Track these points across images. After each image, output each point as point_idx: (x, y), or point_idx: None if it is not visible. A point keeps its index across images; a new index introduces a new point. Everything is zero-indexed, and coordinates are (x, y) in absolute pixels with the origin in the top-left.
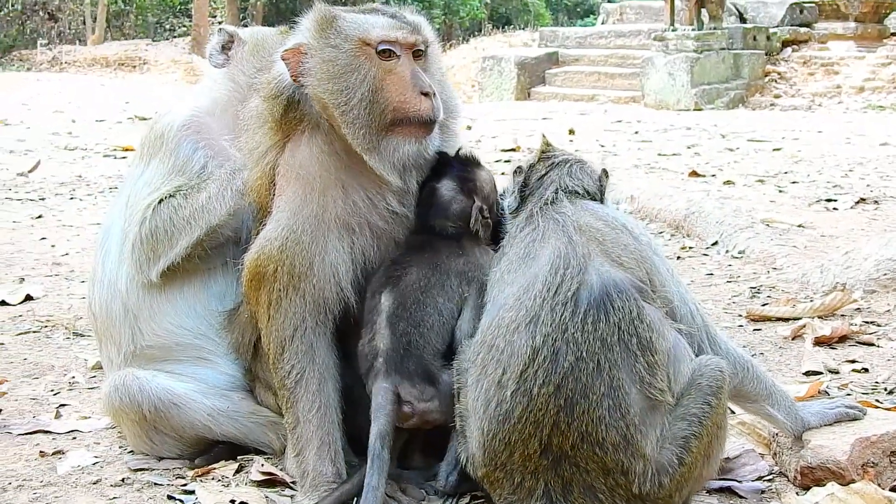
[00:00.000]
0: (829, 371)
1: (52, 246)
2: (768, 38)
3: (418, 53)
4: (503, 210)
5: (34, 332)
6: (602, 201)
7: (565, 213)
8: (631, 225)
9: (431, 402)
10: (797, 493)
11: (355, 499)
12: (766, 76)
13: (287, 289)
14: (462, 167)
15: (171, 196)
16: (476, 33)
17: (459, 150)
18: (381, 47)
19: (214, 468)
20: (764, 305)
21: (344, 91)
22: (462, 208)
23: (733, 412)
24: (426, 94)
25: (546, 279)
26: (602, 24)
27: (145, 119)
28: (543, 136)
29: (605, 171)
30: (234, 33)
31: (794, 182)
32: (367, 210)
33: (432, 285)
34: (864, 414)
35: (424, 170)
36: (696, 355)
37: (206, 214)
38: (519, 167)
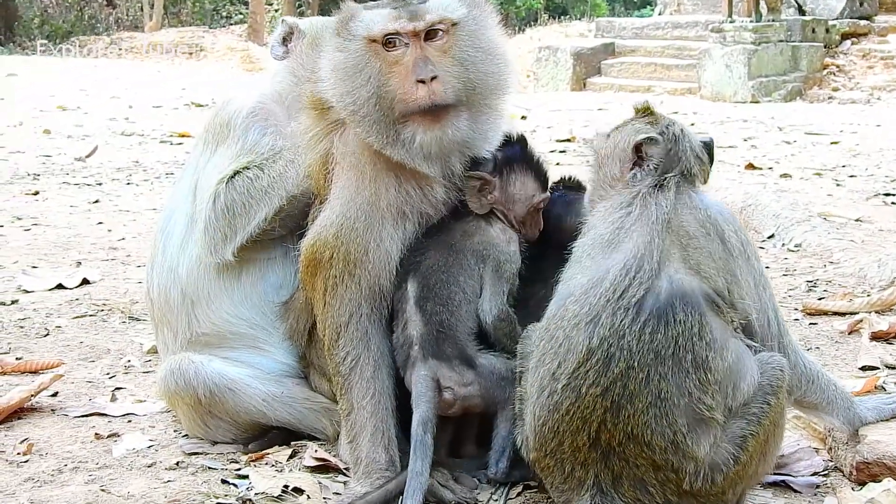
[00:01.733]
0: (886, 366)
1: (109, 230)
2: (827, 30)
3: (432, 34)
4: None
5: (90, 315)
6: (706, 180)
7: (662, 205)
8: (727, 233)
9: (472, 387)
10: (853, 489)
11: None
12: (824, 69)
13: (342, 275)
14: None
15: (245, 169)
16: (532, 23)
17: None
18: (385, 40)
19: (268, 453)
20: (820, 299)
21: (350, 93)
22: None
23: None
24: (423, 82)
25: (615, 278)
26: (659, 14)
27: (201, 106)
28: (647, 101)
29: (706, 144)
30: (294, 25)
31: (851, 176)
32: (419, 199)
33: (451, 264)
34: None
35: (465, 154)
36: None
37: (286, 182)
38: (650, 138)
